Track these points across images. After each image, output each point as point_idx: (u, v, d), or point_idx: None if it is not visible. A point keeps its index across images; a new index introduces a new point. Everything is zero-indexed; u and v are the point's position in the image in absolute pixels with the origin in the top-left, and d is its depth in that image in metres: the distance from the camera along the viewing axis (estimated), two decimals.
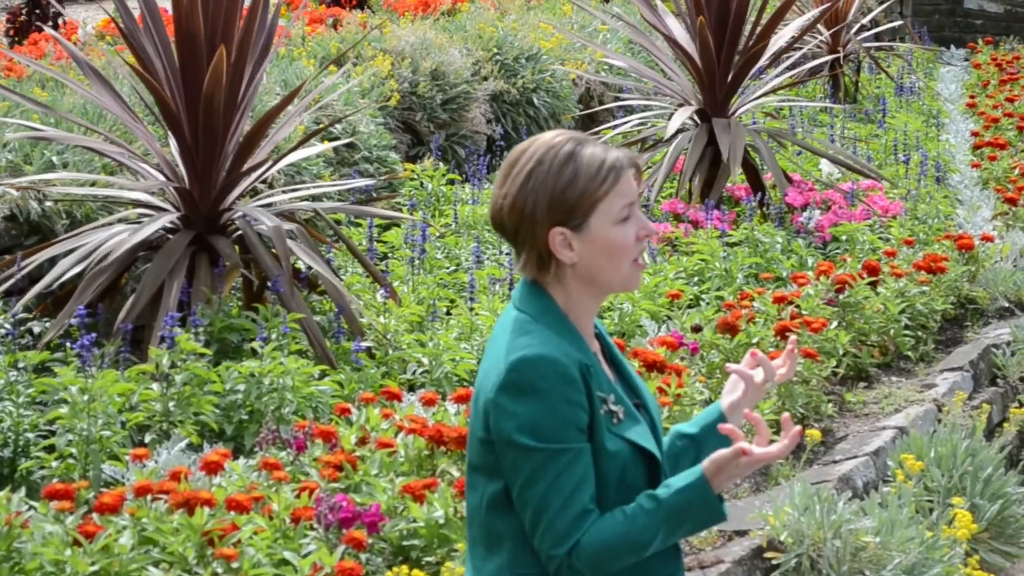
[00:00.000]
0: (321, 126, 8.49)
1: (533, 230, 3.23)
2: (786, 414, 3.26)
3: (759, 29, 10.85)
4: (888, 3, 18.86)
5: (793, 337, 3.58)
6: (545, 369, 3.17)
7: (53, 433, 5.72)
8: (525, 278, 3.32)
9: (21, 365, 6.18)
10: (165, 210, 7.42)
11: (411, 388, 6.87)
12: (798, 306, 7.83)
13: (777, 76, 11.71)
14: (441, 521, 4.89)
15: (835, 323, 7.79)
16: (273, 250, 7.06)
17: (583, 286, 3.28)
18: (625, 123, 11.36)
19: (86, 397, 5.60)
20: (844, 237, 9.97)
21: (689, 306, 8.34)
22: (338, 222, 9.07)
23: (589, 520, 3.15)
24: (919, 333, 8.44)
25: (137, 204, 7.60)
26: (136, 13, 7.60)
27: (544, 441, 3.14)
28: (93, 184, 7.76)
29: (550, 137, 3.28)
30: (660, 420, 3.43)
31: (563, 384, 3.16)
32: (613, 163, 3.25)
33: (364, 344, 6.92)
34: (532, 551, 3.22)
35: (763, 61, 11.11)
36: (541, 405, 3.15)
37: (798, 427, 3.22)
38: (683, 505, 3.17)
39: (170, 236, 7.23)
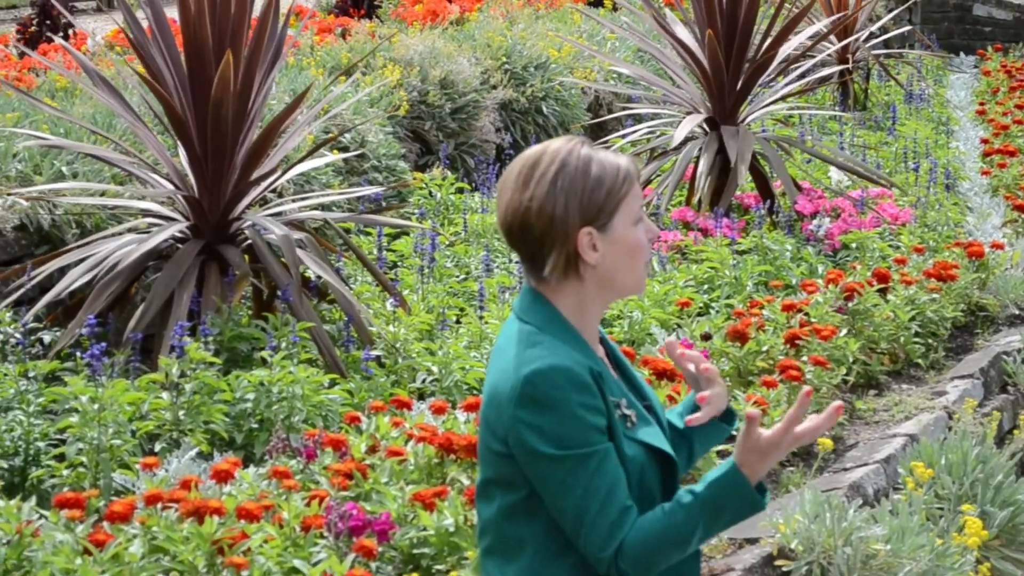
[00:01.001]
0: (330, 136, 8.50)
1: (565, 231, 3.25)
2: (807, 388, 3.23)
3: (769, 38, 10.85)
4: (897, 11, 18.85)
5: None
6: (558, 379, 3.18)
7: (63, 442, 5.72)
8: (530, 286, 3.32)
9: (31, 374, 6.19)
10: (174, 219, 7.42)
11: (421, 396, 6.87)
12: (807, 314, 7.81)
13: (787, 84, 11.70)
14: (451, 529, 4.89)
15: (845, 331, 7.78)
16: (282, 259, 7.06)
17: (598, 289, 3.30)
18: (634, 132, 11.35)
19: (96, 406, 5.61)
20: (854, 245, 9.96)
21: (699, 314, 8.34)
22: (347, 231, 9.08)
23: (631, 517, 3.17)
24: (929, 341, 8.42)
25: (147, 213, 7.61)
26: (145, 24, 7.61)
27: (569, 448, 3.16)
28: (103, 194, 7.77)
29: (563, 142, 3.31)
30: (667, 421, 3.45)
31: (578, 391, 3.18)
32: (627, 166, 3.30)
33: (374, 353, 6.92)
34: (555, 554, 3.24)
35: (772, 69, 11.11)
36: (560, 414, 3.16)
37: (838, 402, 3.22)
38: (718, 496, 3.18)
39: (180, 245, 7.23)
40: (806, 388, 3.19)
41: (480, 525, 3.36)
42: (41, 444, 5.74)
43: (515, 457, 3.21)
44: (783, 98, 11.58)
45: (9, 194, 7.56)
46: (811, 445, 6.73)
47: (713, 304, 8.61)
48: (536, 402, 3.17)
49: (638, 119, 13.02)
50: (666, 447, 3.31)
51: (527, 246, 3.29)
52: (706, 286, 8.90)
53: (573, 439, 3.16)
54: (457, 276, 9.02)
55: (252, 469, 5.39)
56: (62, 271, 7.12)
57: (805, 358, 7.19)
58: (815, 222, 10.20)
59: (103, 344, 6.01)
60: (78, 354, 6.21)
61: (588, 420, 3.17)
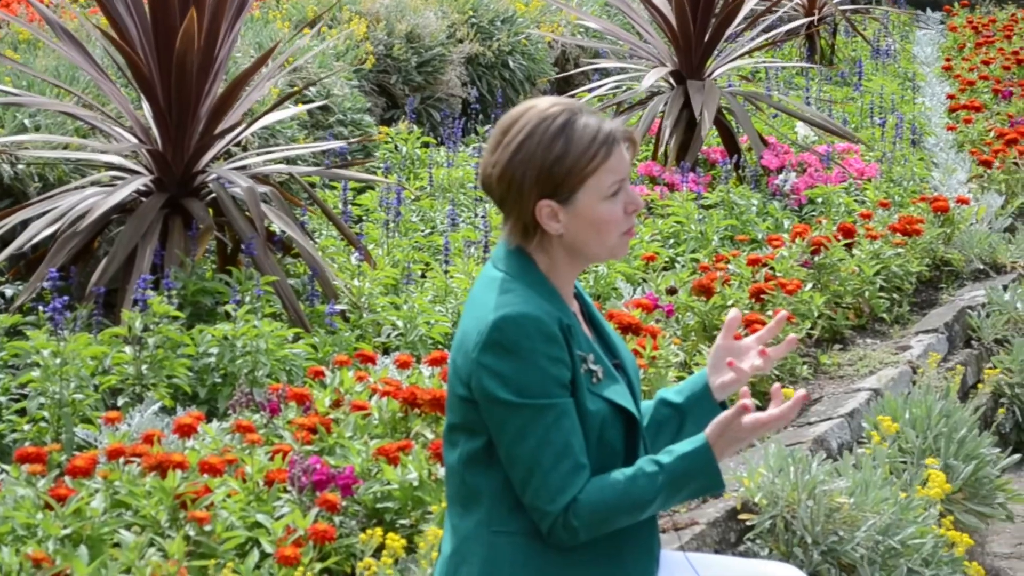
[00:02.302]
0: (295, 89, 8.45)
1: (520, 201, 3.24)
2: (776, 384, 3.27)
3: None
4: None
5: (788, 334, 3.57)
6: (527, 327, 3.18)
7: (25, 396, 5.69)
8: (507, 244, 3.32)
9: None
10: (138, 173, 7.37)
11: (385, 351, 6.85)
12: (773, 268, 7.83)
13: (753, 38, 11.68)
14: (415, 483, 4.88)
15: (810, 285, 7.79)
16: (247, 213, 7.02)
17: (567, 256, 3.30)
18: (600, 86, 11.31)
19: (58, 360, 5.57)
20: (820, 199, 9.97)
21: (664, 268, 8.34)
22: (312, 185, 9.04)
23: (583, 476, 3.17)
24: (894, 295, 8.44)
25: (110, 167, 7.56)
26: None
27: (530, 397, 3.16)
28: (66, 147, 7.71)
29: (544, 107, 3.27)
30: (638, 380, 3.46)
31: (545, 342, 3.18)
32: (605, 138, 3.25)
33: (338, 307, 6.89)
34: (510, 508, 3.24)
35: (738, 22, 11.08)
36: (524, 362, 3.17)
37: (803, 392, 3.24)
38: (685, 470, 3.19)
39: (143, 199, 7.18)
40: (802, 392, 3.22)
41: (445, 473, 3.38)
42: (2, 399, 5.71)
43: (478, 403, 3.22)
44: (749, 52, 11.57)
45: None
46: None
47: (679, 258, 8.62)
48: (502, 347, 3.17)
49: (605, 73, 12.99)
50: (629, 405, 3.31)
51: (497, 206, 3.30)
52: (672, 240, 8.90)
53: (534, 388, 3.16)
54: (422, 230, 8.99)
55: (215, 423, 5.37)
56: (24, 224, 7.07)
57: (770, 312, 7.20)
58: (781, 177, 10.21)
59: (65, 298, 5.97)
60: (40, 308, 6.17)
61: (551, 371, 3.17)
